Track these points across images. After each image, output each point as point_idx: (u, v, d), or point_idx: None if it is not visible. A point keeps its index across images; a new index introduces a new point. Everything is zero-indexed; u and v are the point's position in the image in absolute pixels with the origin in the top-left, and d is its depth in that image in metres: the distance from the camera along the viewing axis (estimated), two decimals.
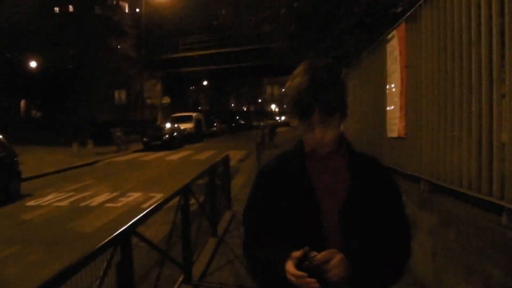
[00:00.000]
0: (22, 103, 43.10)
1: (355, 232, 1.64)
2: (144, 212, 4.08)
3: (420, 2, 5.06)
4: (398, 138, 6.10)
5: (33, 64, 34.05)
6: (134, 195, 11.86)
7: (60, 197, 12.00)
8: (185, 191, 5.61)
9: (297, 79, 1.67)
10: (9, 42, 32.37)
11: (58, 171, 17.98)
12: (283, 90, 2.11)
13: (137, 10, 44.59)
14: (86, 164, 20.43)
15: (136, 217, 3.83)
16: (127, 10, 48.92)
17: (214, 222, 7.44)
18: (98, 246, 2.93)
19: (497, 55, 3.25)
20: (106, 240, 3.07)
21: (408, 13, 5.53)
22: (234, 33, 34.81)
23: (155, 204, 4.49)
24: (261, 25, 15.96)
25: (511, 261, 2.96)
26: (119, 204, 10.78)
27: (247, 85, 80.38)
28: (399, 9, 7.08)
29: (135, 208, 10.03)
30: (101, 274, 2.97)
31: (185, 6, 44.30)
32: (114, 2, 46.40)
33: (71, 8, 43.02)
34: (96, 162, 21.48)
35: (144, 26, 34.73)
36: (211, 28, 44.67)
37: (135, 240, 3.70)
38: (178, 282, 5.19)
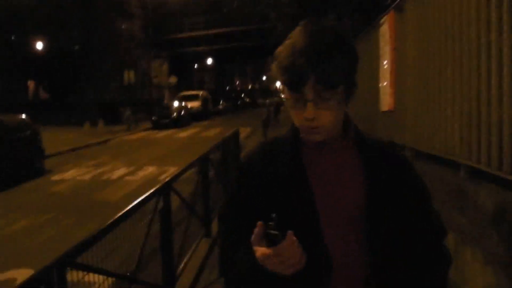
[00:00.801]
0: (31, 84, 43.95)
1: (381, 244, 1.31)
2: (178, 172, 5.03)
3: None
4: (389, 111, 6.93)
5: (39, 45, 34.81)
6: (150, 169, 12.80)
7: (81, 172, 12.96)
8: (203, 161, 6.49)
9: (291, 39, 1.28)
10: (14, 24, 33.06)
11: (73, 149, 18.88)
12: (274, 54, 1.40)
13: None
14: (99, 143, 21.36)
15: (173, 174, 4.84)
16: None
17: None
18: (146, 195, 3.74)
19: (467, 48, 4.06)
20: (152, 190, 3.92)
21: (394, 4, 6.34)
22: (238, 14, 35.36)
23: (185, 166, 5.47)
24: (265, 10, 16.57)
25: (467, 206, 3.81)
26: (137, 177, 11.73)
27: (251, 63, 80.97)
28: (388, 1, 7.84)
29: (152, 180, 10.92)
30: (149, 217, 3.83)
31: None
32: None
33: None
34: (108, 140, 22.43)
35: (150, 7, 35.30)
36: (215, 8, 45.14)
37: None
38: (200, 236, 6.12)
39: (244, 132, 22.61)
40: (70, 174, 12.77)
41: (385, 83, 7.32)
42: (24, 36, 35.28)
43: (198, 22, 46.11)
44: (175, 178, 4.81)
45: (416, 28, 5.45)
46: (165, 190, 4.31)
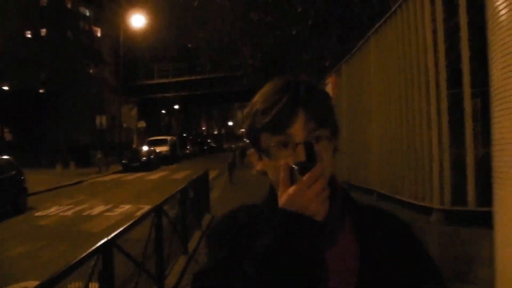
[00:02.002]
0: None
1: None
2: (123, 227, 4.64)
3: (341, 62, 7.61)
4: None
5: (4, 87, 35.87)
6: (126, 207, 14.03)
7: (63, 209, 14.11)
8: (158, 210, 6.26)
9: (268, 85, 1.14)
10: None
11: (49, 190, 19.90)
12: (244, 113, 1.22)
13: (108, 34, 46.68)
14: (73, 184, 22.40)
15: (116, 231, 4.35)
16: (99, 35, 50.90)
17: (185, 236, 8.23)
18: (83, 255, 3.49)
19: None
20: (89, 251, 3.61)
21: (335, 68, 8.11)
22: (206, 61, 37.14)
23: (133, 220, 5.13)
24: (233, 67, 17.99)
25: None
26: (116, 213, 12.97)
27: (217, 108, 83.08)
28: (327, 63, 9.65)
29: (129, 216, 12.14)
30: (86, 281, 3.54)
31: (159, 33, 46.73)
32: (86, 27, 48.43)
33: (43, 32, 44.94)
34: (81, 181, 23.46)
35: (122, 54, 36.93)
36: (184, 55, 47.11)
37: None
38: None
39: (211, 174, 24.01)
40: (53, 210, 13.90)
41: None
42: None
43: (167, 69, 48.03)
44: (119, 235, 4.36)
45: (347, 86, 7.18)
46: (106, 249, 3.94)
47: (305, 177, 0.97)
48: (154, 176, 25.76)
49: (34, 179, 23.51)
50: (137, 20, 38.22)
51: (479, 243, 3.40)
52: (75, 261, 3.34)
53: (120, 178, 25.50)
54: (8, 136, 44.89)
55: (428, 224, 3.88)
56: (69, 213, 13.43)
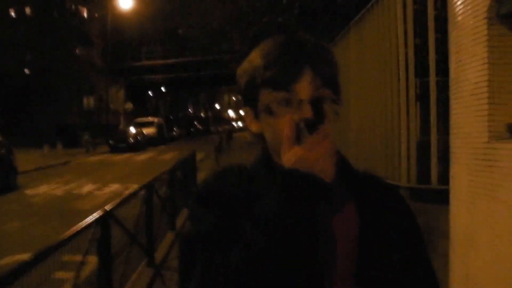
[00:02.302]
0: None
1: None
2: (119, 200, 5.16)
3: None
4: None
5: None
6: (115, 186, 14.37)
7: (52, 188, 14.43)
8: (149, 187, 6.74)
9: (266, 44, 1.07)
10: None
11: (37, 169, 20.10)
12: (239, 70, 1.11)
13: (96, 15, 46.39)
14: (61, 164, 22.60)
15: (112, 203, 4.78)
16: (85, 15, 50.51)
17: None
18: (82, 226, 3.78)
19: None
20: (91, 221, 3.94)
21: None
22: (195, 45, 37.24)
23: (126, 195, 5.76)
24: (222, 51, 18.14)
25: None
26: (104, 192, 13.31)
27: (204, 91, 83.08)
28: None
29: (118, 194, 12.43)
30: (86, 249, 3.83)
31: (148, 15, 46.59)
32: (73, 7, 48.04)
33: (28, 11, 44.50)
34: (69, 161, 23.69)
35: (109, 35, 36.86)
36: (172, 37, 47.06)
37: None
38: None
39: (198, 156, 24.38)
40: (42, 189, 14.20)
41: None
42: None
43: (155, 51, 47.98)
44: (116, 206, 4.79)
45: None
46: (105, 219, 4.28)
47: (313, 136, 0.93)
48: (141, 157, 26.05)
49: (22, 159, 23.59)
50: (125, 2, 38.19)
51: (439, 218, 3.81)
52: (73, 231, 3.58)
53: (108, 158, 25.78)
54: None
55: None
56: (58, 191, 13.74)
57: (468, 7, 2.85)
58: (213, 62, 40.82)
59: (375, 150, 5.13)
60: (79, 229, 3.71)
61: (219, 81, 52.05)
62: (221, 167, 1.20)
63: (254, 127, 1.10)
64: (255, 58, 1.06)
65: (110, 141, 30.83)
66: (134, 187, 13.37)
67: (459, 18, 2.96)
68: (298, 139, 0.94)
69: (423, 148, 4.12)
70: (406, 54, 4.11)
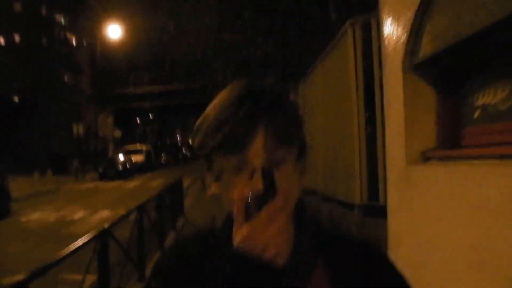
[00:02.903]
0: None
1: None
2: (116, 219, 6.03)
3: (298, 83, 8.78)
4: None
5: None
6: (105, 212, 14.99)
7: (45, 214, 15.02)
8: (140, 209, 7.58)
9: (223, 95, 0.95)
10: None
11: (28, 196, 20.62)
12: (195, 126, 0.99)
13: (85, 43, 47.28)
14: (51, 191, 23.12)
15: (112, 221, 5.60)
16: (74, 43, 51.39)
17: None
18: (81, 243, 4.36)
19: None
20: (87, 238, 4.56)
21: (294, 89, 9.29)
22: (181, 72, 38.09)
23: (121, 215, 6.55)
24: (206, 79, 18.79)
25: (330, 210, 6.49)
26: (95, 218, 13.91)
27: (192, 118, 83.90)
28: (288, 84, 10.85)
29: (109, 220, 13.13)
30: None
31: (135, 43, 47.57)
32: (62, 35, 48.85)
33: (17, 38, 45.28)
34: (59, 189, 24.24)
35: (98, 64, 37.72)
36: (159, 65, 47.92)
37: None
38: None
39: (185, 182, 25.04)
40: (35, 215, 14.82)
41: None
42: None
43: (142, 77, 48.91)
44: (112, 225, 5.44)
45: (303, 105, 8.34)
46: (104, 235, 4.96)
47: (261, 213, 0.79)
48: (131, 184, 26.66)
49: (13, 186, 24.16)
50: (113, 31, 39.12)
51: (386, 230, 4.57)
52: (73, 247, 4.06)
53: (98, 185, 26.39)
54: None
55: (352, 216, 5.06)
56: (51, 217, 14.37)
57: (394, 58, 3.65)
58: (199, 90, 41.66)
59: (338, 174, 5.89)
60: (79, 245, 4.24)
61: (205, 107, 52.72)
62: (183, 236, 1.08)
63: (213, 188, 0.95)
64: (208, 114, 0.94)
65: (99, 169, 31.41)
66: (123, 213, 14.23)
67: (389, 66, 3.77)
68: (248, 216, 0.81)
69: (373, 171, 4.88)
70: (357, 89, 4.92)
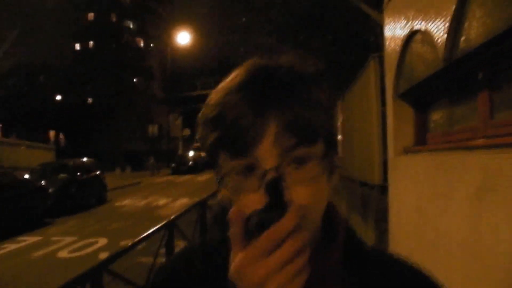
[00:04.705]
0: (51, 134, 49.17)
1: None
2: (180, 213, 9.20)
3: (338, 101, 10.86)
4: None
5: (57, 98, 40.51)
6: (184, 200, 17.61)
7: (135, 201, 17.87)
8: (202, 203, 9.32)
9: (228, 80, 0.72)
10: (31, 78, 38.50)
11: (115, 188, 23.70)
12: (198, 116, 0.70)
13: (156, 51, 50.97)
14: (133, 184, 26.27)
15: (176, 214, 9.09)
16: (144, 50, 55.33)
17: None
18: (154, 229, 7.96)
19: None
20: (157, 227, 7.82)
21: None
22: None
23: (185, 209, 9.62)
24: None
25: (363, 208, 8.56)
26: (177, 204, 16.55)
27: None
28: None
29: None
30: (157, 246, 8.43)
31: (202, 48, 50.77)
32: (137, 44, 52.91)
33: (91, 44, 49.90)
34: (139, 182, 27.33)
35: (168, 70, 41.00)
36: (224, 68, 50.78)
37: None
38: None
39: None
40: (127, 202, 17.67)
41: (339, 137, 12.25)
42: (47, 92, 40.87)
43: (209, 82, 51.95)
44: (178, 217, 6.95)
45: (344, 115, 10.43)
46: (170, 226, 6.19)
47: (260, 239, 0.57)
48: (202, 178, 29.48)
49: None
50: (183, 38, 42.29)
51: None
52: (146, 233, 5.48)
53: (172, 179, 29.41)
54: (62, 143, 49.61)
55: (373, 194, 7.11)
56: (140, 203, 17.17)
57: (389, 88, 5.71)
58: None
59: (366, 164, 7.96)
60: (152, 230, 5.80)
61: None
62: (184, 248, 0.95)
63: (221, 194, 0.74)
64: (211, 100, 0.72)
65: (172, 165, 34.57)
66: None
67: (387, 93, 5.84)
68: (248, 238, 0.59)
69: (385, 161, 6.92)
70: (376, 105, 7.00)
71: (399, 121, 5.45)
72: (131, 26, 54.47)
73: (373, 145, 7.18)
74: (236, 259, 0.59)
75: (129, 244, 4.83)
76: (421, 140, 5.15)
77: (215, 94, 0.72)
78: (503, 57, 2.98)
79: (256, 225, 0.59)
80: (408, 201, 4.90)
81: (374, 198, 7.11)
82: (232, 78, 0.72)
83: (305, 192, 0.66)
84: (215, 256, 0.79)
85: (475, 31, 3.11)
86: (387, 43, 5.71)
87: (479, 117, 3.44)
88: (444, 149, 4.08)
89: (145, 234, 5.39)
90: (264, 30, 16.45)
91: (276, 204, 0.60)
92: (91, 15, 52.36)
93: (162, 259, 5.95)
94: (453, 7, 3.32)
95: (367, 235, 7.22)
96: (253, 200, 0.64)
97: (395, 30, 5.28)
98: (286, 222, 0.57)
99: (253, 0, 15.53)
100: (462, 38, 3.34)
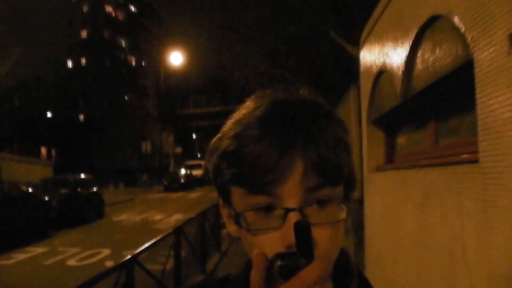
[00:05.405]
0: (43, 150, 49.64)
1: None
2: (182, 223, 9.84)
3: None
4: None
5: (47, 114, 41.29)
6: (179, 216, 18.41)
7: (131, 216, 18.68)
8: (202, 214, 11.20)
9: (247, 108, 0.71)
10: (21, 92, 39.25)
11: (110, 204, 24.42)
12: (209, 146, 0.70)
13: (149, 67, 52.07)
14: (128, 200, 27.03)
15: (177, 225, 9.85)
16: (138, 69, 56.51)
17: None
18: (169, 232, 9.26)
19: None
20: (170, 231, 9.20)
21: None
22: (234, 94, 41.72)
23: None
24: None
25: None
26: (172, 219, 17.38)
27: None
28: None
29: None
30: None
31: (195, 68, 51.92)
32: (131, 62, 54.05)
33: (83, 61, 50.85)
34: (133, 198, 28.11)
35: (162, 88, 42.02)
36: (217, 86, 51.98)
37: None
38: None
39: None
40: (124, 217, 18.51)
41: None
42: (39, 107, 41.60)
43: (201, 100, 53.07)
44: (185, 223, 7.91)
45: None
46: (178, 231, 6.82)
47: (290, 284, 0.55)
48: (194, 195, 30.34)
49: None
50: (175, 58, 43.40)
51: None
52: (156, 238, 7.24)
53: (165, 196, 30.23)
54: (54, 159, 50.04)
55: (353, 207, 8.08)
56: (137, 219, 18.01)
57: (364, 113, 6.67)
58: None
59: None
60: (161, 236, 7.06)
61: None
62: (204, 280, 0.89)
63: (230, 229, 0.73)
64: (226, 133, 0.70)
65: (165, 182, 35.40)
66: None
67: (363, 118, 6.81)
68: (270, 282, 0.58)
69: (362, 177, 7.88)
70: (355, 127, 7.97)
71: (372, 143, 6.40)
72: (124, 44, 55.68)
73: (353, 163, 8.17)
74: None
75: (135, 251, 5.27)
76: (390, 159, 6.10)
77: (232, 125, 0.68)
78: (445, 95, 3.95)
79: (281, 271, 0.56)
80: (378, 211, 5.86)
81: (353, 211, 8.06)
82: (251, 110, 0.67)
83: (327, 235, 0.62)
84: None
85: (422, 75, 4.10)
86: (362, 77, 6.72)
87: (428, 141, 4.43)
88: (404, 168, 5.02)
89: (158, 238, 6.19)
90: (257, 54, 17.34)
91: (304, 245, 0.57)
92: (84, 33, 53.51)
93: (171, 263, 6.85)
94: (406, 54, 4.32)
95: (348, 244, 8.13)
96: (274, 240, 0.61)
97: (368, 67, 6.29)
98: (314, 270, 0.54)
99: (245, 30, 16.47)
100: (413, 80, 4.34)
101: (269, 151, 0.62)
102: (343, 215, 0.67)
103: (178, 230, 7.13)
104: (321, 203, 0.64)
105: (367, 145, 6.50)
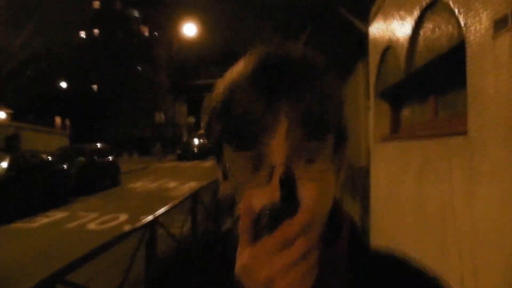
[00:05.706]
0: (58, 120, 50.28)
1: None
2: (198, 188, 10.58)
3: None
4: None
5: (62, 84, 41.73)
6: (192, 183, 18.87)
7: (146, 183, 19.29)
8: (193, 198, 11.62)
9: (237, 65, 0.70)
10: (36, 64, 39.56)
11: (125, 172, 25.04)
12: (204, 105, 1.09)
13: (162, 40, 52.17)
14: (142, 168, 27.68)
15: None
16: (151, 40, 56.51)
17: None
18: (188, 195, 9.45)
19: None
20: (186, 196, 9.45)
21: None
22: None
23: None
24: None
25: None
26: (186, 187, 17.90)
27: None
28: None
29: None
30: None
31: (207, 39, 51.92)
32: (139, 32, 54.03)
33: (96, 32, 51.16)
34: (147, 167, 28.76)
35: (174, 59, 42.23)
36: (228, 59, 51.96)
37: None
38: None
39: None
40: (139, 185, 19.08)
41: None
42: (53, 79, 42.00)
43: (213, 71, 53.15)
44: (199, 190, 8.94)
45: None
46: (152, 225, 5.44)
47: (272, 235, 0.57)
48: (206, 164, 30.86)
49: None
50: (189, 29, 43.44)
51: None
52: (176, 202, 7.83)
53: (178, 165, 30.88)
54: (68, 129, 50.76)
55: (359, 175, 8.50)
56: (152, 185, 18.59)
57: (372, 87, 6.99)
58: None
59: (353, 147, 9.32)
60: (180, 201, 7.79)
61: None
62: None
63: (223, 187, 0.74)
64: (218, 90, 0.70)
65: (178, 151, 35.99)
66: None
67: (371, 90, 7.13)
68: (257, 235, 0.59)
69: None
70: (363, 99, 8.29)
71: (378, 114, 6.72)
72: (137, 15, 55.70)
73: (360, 134, 8.50)
74: (244, 255, 0.58)
75: (157, 213, 5.71)
76: (395, 131, 6.42)
77: (222, 83, 0.69)
78: (443, 72, 4.26)
79: (268, 221, 0.58)
80: (382, 178, 6.22)
81: (360, 179, 8.45)
82: (240, 66, 0.68)
83: (315, 189, 0.63)
84: (225, 246, 0.75)
85: (423, 52, 4.41)
86: (370, 51, 7.00)
87: (428, 115, 4.76)
88: (407, 139, 5.37)
89: (176, 202, 6.65)
90: (270, 27, 17.49)
91: (289, 200, 0.59)
92: (96, 3, 53.60)
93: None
94: (409, 33, 4.62)
95: (354, 210, 8.56)
96: (261, 195, 0.61)
97: (376, 42, 6.56)
98: (300, 220, 0.56)
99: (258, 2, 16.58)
100: (415, 57, 4.65)
101: (255, 105, 0.62)
102: (332, 169, 0.67)
103: (195, 195, 7.56)
104: (310, 156, 0.63)
105: (373, 116, 6.81)
